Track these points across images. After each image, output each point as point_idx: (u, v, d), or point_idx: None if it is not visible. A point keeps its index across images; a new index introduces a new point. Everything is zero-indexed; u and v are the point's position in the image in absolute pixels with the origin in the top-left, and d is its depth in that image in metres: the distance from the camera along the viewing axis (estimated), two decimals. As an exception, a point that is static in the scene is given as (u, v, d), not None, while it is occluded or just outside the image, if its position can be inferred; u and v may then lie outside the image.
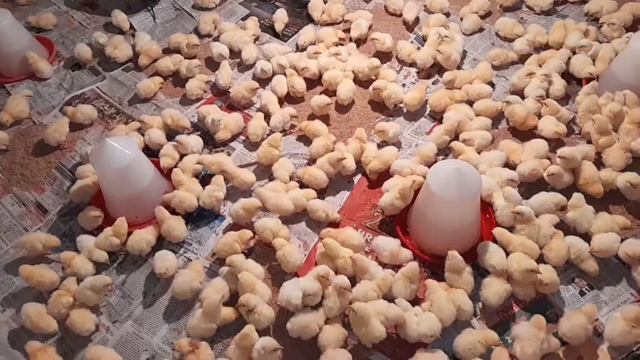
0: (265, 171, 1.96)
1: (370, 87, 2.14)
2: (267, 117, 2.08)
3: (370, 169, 1.87)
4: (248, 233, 1.69)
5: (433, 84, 2.22)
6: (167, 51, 2.40)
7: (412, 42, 2.36)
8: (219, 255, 1.69)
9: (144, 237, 1.73)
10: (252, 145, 2.04)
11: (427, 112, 2.12)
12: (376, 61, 2.19)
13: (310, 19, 2.51)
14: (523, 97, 2.06)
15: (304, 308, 1.54)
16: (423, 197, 1.68)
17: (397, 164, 1.86)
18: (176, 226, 1.75)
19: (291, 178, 1.91)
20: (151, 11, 2.63)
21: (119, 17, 2.52)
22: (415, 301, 1.56)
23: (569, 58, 2.16)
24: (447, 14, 2.48)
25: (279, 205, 1.75)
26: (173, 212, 1.79)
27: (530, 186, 1.82)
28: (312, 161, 1.95)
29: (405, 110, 2.13)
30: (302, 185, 1.87)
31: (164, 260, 1.66)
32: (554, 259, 1.60)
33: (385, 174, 1.87)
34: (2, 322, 1.66)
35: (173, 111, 2.07)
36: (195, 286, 1.62)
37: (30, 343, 1.53)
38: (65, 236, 1.82)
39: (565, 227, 1.69)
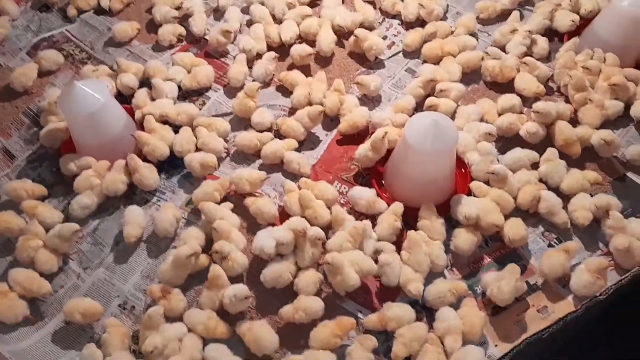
0: (240, 122, 1.92)
1: (351, 38, 2.09)
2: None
3: (340, 129, 1.84)
4: (228, 181, 1.67)
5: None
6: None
7: None
8: (197, 203, 1.66)
9: (119, 177, 1.69)
10: (231, 93, 1.99)
11: (407, 65, 2.09)
12: (360, 16, 2.14)
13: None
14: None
15: (277, 257, 1.54)
16: (399, 150, 1.67)
17: (377, 116, 1.84)
18: (149, 175, 1.71)
19: (270, 129, 1.88)
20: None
21: None
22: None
23: (552, 12, 2.13)
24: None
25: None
26: (145, 159, 1.75)
27: (505, 142, 1.82)
28: (292, 111, 1.91)
29: (401, 53, 2.12)
30: (279, 136, 1.84)
31: (134, 226, 1.61)
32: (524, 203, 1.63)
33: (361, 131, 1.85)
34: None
35: (157, 63, 1.99)
36: (177, 217, 1.63)
37: None
38: (34, 182, 1.76)
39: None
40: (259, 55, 2.06)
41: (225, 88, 2.02)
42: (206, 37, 2.14)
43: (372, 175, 1.76)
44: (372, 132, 1.84)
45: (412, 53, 2.12)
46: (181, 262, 1.50)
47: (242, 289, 1.46)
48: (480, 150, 1.73)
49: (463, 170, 1.75)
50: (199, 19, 2.14)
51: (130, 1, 2.26)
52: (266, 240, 1.52)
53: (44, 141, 1.82)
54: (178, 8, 2.18)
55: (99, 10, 2.28)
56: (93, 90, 1.66)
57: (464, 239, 1.57)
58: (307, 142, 1.88)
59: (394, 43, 2.17)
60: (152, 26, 2.21)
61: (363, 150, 1.73)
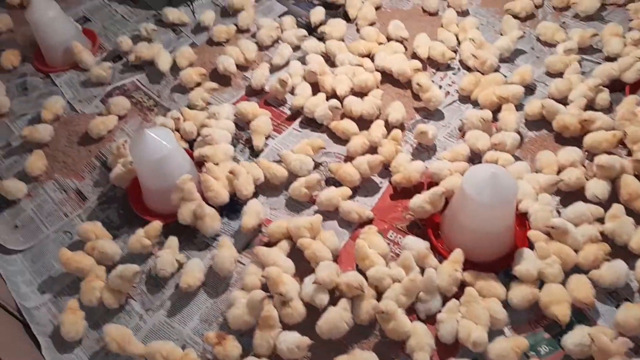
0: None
1: (415, 82, 2.11)
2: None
3: (394, 180, 1.85)
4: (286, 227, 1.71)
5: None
6: (210, 42, 2.45)
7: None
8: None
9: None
10: (288, 140, 2.05)
11: (461, 114, 2.08)
12: (417, 63, 2.17)
13: (346, 18, 2.49)
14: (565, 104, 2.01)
15: (329, 307, 1.53)
16: (457, 200, 1.65)
17: (435, 166, 1.84)
18: (212, 221, 1.76)
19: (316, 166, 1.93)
20: (191, 6, 2.66)
21: (171, 14, 2.55)
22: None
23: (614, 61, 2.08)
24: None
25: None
26: (206, 203, 1.81)
27: (566, 194, 1.77)
28: (348, 159, 1.94)
29: (456, 102, 2.13)
30: (335, 183, 1.88)
31: (191, 276, 1.65)
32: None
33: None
34: (41, 304, 1.71)
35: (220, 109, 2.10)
36: (236, 257, 1.68)
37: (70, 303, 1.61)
38: (103, 223, 1.84)
39: (603, 240, 1.63)
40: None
41: (281, 135, 2.08)
42: (265, 88, 2.23)
43: (428, 225, 1.75)
44: (428, 182, 1.84)
45: (468, 99, 2.13)
46: (254, 305, 1.52)
47: (304, 339, 1.46)
48: (540, 201, 1.69)
49: (523, 223, 1.71)
50: (258, 73, 2.23)
51: (193, 61, 2.36)
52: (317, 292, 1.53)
53: (114, 181, 1.92)
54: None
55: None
56: (161, 137, 1.75)
57: (521, 295, 1.52)
58: (362, 189, 1.89)
59: (448, 92, 2.18)
60: (216, 75, 2.31)
61: (419, 201, 1.72)
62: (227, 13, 2.60)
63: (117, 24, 2.65)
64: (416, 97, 2.15)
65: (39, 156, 2.05)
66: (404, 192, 1.86)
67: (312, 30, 2.45)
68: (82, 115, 2.24)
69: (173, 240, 1.74)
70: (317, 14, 2.47)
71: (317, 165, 1.96)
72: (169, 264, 1.68)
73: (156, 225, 1.74)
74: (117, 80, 2.37)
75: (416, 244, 1.64)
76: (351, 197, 1.84)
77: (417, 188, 1.84)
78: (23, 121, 2.23)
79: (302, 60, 2.29)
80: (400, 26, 2.34)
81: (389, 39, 2.35)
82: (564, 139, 1.94)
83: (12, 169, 2.08)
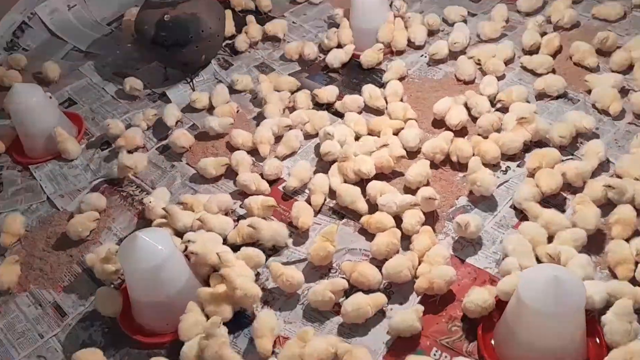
0: (316, 270, 1.99)
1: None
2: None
3: (416, 289, 1.85)
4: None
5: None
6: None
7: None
8: None
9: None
10: (301, 237, 2.09)
11: (511, 199, 2.12)
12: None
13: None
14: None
15: None
16: (512, 308, 1.64)
17: (508, 263, 1.83)
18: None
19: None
20: (191, 83, 2.82)
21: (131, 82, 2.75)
22: None
23: None
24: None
25: None
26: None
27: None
28: (373, 260, 1.97)
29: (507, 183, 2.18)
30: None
31: None
32: None
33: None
34: None
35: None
36: None
37: None
38: (84, 346, 1.86)
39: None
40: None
41: (296, 231, 2.12)
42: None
43: (479, 341, 1.73)
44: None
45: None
46: None
47: None
48: (616, 309, 1.67)
49: (596, 337, 1.68)
50: (270, 162, 2.33)
51: (192, 144, 2.51)
52: None
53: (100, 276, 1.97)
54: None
55: (165, 147, 2.54)
56: (156, 241, 1.79)
57: None
58: (396, 294, 1.90)
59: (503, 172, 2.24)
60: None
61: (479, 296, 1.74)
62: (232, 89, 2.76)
63: (105, 105, 2.81)
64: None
65: (10, 264, 2.09)
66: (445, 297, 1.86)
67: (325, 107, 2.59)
68: (63, 213, 2.33)
69: None
70: (333, 89, 2.62)
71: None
72: None
73: None
74: (104, 171, 2.47)
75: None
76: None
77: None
78: (-5, 223, 2.32)
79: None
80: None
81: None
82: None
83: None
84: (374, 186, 2.15)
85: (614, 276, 1.82)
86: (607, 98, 2.35)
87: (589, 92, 2.43)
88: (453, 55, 2.74)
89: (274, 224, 2.07)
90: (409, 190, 2.17)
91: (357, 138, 2.37)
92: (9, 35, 3.19)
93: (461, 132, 2.36)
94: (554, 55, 2.63)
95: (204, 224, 2.06)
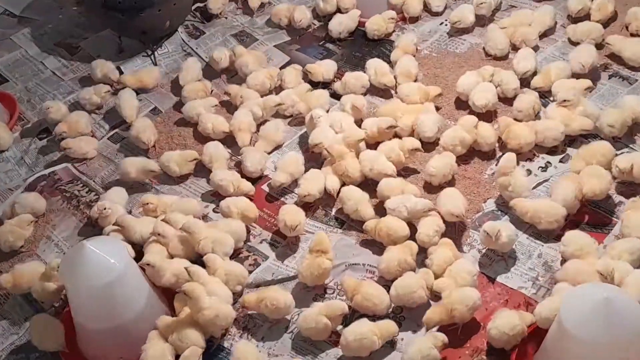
0: (309, 291, 2.01)
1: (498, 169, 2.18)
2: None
3: (426, 322, 1.85)
4: None
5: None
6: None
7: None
8: None
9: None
10: (289, 249, 2.12)
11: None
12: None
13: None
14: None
15: None
16: (554, 336, 1.66)
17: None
18: None
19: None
20: (151, 56, 2.82)
21: (104, 67, 2.71)
22: None
23: None
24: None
25: None
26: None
27: None
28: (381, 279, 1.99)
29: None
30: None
31: None
32: None
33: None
34: None
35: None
36: None
37: None
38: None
39: None
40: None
41: (285, 241, 2.14)
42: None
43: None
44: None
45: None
46: None
47: None
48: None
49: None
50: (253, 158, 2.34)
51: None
52: None
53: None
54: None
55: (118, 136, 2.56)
56: (108, 253, 1.80)
57: None
58: (408, 319, 1.91)
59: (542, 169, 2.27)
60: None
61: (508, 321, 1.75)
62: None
63: (44, 84, 2.81)
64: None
65: None
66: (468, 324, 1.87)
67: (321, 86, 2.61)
68: (-8, 218, 2.34)
69: None
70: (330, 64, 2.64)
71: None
72: None
73: None
74: (42, 166, 2.48)
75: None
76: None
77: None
78: None
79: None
80: None
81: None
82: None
83: None
84: (388, 184, 2.15)
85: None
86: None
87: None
88: (480, 22, 2.77)
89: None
90: (431, 188, 2.20)
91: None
92: None
93: (486, 116, 2.38)
94: (607, 24, 2.66)
95: (172, 225, 2.07)
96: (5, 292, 2.08)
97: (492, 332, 1.77)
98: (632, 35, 2.62)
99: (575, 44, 2.62)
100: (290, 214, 2.11)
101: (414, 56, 2.64)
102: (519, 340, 1.77)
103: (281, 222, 2.10)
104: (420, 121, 2.32)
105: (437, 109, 2.45)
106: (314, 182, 2.20)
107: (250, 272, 2.07)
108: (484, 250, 2.05)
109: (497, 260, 2.03)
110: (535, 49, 2.61)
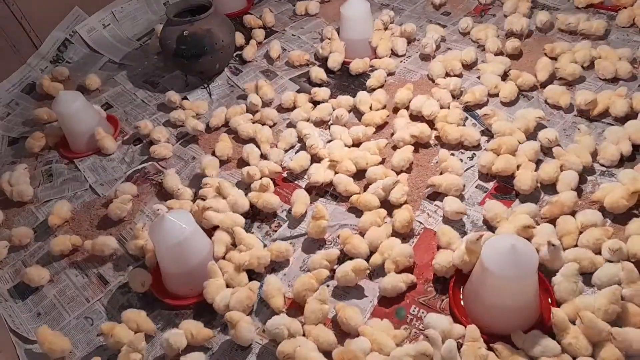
0: (314, 243, 1.99)
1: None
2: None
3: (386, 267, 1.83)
4: None
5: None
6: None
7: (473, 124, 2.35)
8: None
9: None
10: (300, 217, 2.07)
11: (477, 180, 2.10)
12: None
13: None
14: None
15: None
16: (477, 273, 1.64)
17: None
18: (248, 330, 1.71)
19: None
20: (207, 88, 2.79)
21: (174, 97, 2.66)
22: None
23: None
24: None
25: None
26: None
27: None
28: (361, 233, 1.96)
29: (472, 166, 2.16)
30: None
31: None
32: None
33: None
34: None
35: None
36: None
37: None
38: (123, 307, 1.87)
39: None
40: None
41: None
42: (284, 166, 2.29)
43: (450, 300, 1.73)
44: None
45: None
46: None
47: None
48: (563, 272, 1.67)
49: (548, 292, 1.68)
50: (274, 154, 2.31)
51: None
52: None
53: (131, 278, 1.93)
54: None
55: (185, 141, 2.52)
56: (180, 220, 1.79)
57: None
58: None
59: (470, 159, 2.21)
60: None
61: (444, 258, 1.75)
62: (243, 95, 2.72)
63: (137, 108, 2.79)
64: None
65: (63, 238, 2.10)
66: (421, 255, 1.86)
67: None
68: (103, 198, 2.32)
69: None
70: (326, 90, 2.59)
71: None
72: None
73: (139, 338, 1.69)
74: (137, 163, 2.46)
75: (439, 322, 1.61)
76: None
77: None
78: (48, 207, 2.31)
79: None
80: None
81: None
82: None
83: (36, 255, 2.14)
84: (374, 171, 2.10)
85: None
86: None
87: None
88: (427, 59, 2.72)
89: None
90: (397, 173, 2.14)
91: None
92: (54, 50, 3.15)
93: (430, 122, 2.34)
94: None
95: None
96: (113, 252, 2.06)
97: (436, 266, 1.76)
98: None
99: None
100: (297, 203, 2.05)
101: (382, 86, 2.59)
102: (454, 272, 1.76)
103: (293, 204, 2.07)
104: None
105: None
106: (319, 173, 2.16)
107: (275, 231, 2.05)
108: (431, 213, 2.02)
109: (440, 220, 2.00)
110: (460, 75, 2.56)
